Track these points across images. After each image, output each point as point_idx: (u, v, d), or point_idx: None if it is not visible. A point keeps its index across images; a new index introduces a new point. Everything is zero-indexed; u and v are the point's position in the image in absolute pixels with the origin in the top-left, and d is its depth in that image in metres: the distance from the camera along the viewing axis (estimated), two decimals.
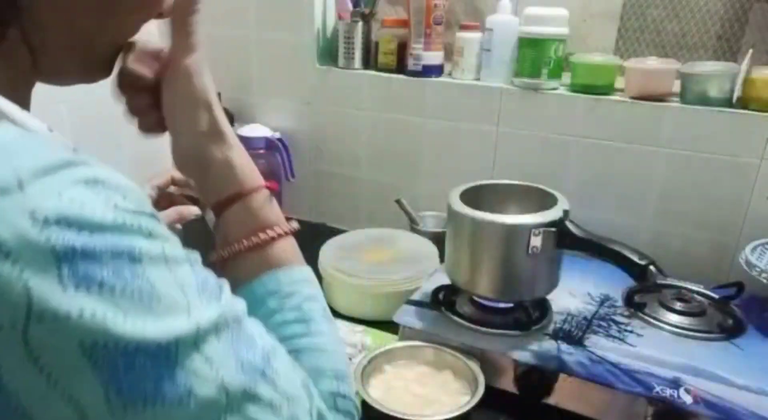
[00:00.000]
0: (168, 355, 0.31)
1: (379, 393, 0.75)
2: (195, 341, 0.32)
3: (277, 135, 1.32)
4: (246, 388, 0.35)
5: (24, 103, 0.40)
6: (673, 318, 0.87)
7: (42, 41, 0.39)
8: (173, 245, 0.34)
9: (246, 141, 1.29)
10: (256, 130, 1.30)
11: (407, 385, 0.77)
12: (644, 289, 0.93)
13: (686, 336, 0.83)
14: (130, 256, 0.31)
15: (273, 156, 1.32)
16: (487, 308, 0.88)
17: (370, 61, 1.27)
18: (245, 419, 0.34)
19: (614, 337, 0.82)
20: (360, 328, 0.94)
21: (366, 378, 0.76)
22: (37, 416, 0.29)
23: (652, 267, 0.75)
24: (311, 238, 1.12)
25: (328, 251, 1.05)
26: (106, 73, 0.47)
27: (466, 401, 0.72)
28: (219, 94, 1.55)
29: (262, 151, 1.31)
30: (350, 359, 0.87)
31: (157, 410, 0.31)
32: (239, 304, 0.39)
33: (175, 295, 0.32)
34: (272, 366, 0.37)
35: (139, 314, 0.30)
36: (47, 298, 0.27)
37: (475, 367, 0.77)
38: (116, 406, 0.29)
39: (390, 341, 0.86)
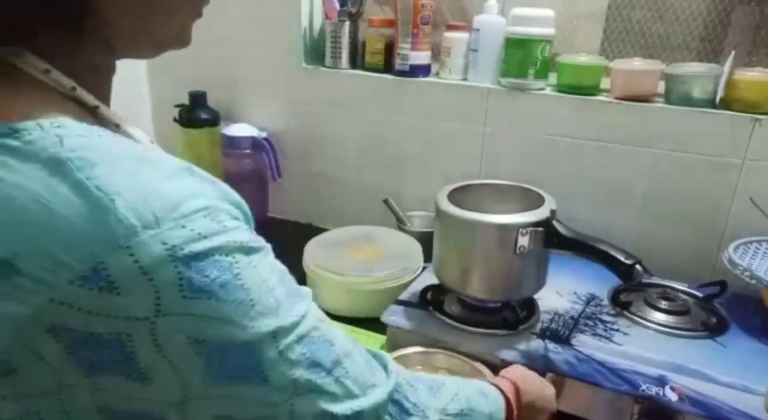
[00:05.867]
0: (253, 351, 0.38)
1: None
2: (275, 337, 0.39)
3: (264, 134, 1.31)
4: (314, 381, 0.41)
5: (106, 91, 0.46)
6: (659, 316, 0.87)
7: (112, 31, 0.42)
8: (264, 254, 0.41)
9: (232, 141, 1.29)
10: (242, 130, 1.29)
11: None
12: (630, 288, 0.94)
13: (671, 334, 0.84)
14: (233, 271, 0.37)
15: (259, 156, 1.31)
16: (474, 308, 0.88)
17: (357, 60, 1.27)
18: (310, 405, 0.41)
19: (601, 335, 0.83)
20: (349, 328, 0.93)
21: None
22: (153, 379, 0.36)
23: (638, 266, 0.76)
24: (298, 239, 1.12)
25: (311, 248, 1.05)
26: (181, 43, 0.48)
27: None
28: (205, 94, 1.51)
29: (248, 151, 1.30)
30: None
31: (239, 388, 0.38)
32: (316, 311, 0.44)
33: (266, 301, 0.39)
34: (343, 366, 0.43)
35: (234, 320, 0.37)
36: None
37: (482, 368, 0.78)
38: (208, 383, 0.37)
39: (378, 342, 0.85)
